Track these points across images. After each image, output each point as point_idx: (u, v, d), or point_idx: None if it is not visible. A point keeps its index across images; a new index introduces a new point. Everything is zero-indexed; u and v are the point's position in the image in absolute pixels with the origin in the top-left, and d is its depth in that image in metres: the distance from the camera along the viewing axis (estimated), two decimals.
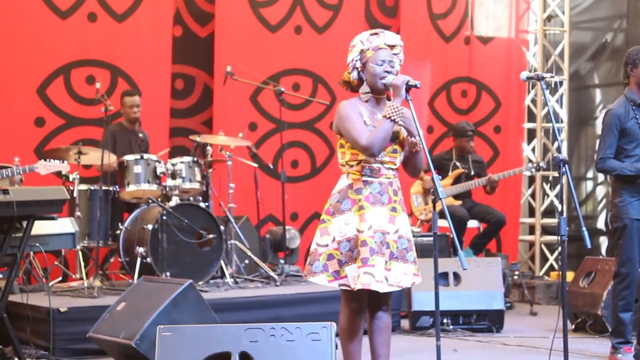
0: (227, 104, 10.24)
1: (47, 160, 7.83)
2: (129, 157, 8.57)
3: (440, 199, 4.90)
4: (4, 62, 9.26)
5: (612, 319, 7.12)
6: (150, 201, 8.50)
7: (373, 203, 5.12)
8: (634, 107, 6.85)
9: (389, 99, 5.19)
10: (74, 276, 8.51)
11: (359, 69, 5.21)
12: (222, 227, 8.63)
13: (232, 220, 8.97)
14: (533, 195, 12.08)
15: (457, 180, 10.06)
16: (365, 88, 5.21)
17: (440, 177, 5.14)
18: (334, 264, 5.11)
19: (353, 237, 5.09)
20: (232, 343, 5.18)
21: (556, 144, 11.75)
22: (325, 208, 5.23)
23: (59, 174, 8.42)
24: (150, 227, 8.24)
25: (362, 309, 5.24)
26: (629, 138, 6.84)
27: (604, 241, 11.63)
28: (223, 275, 8.59)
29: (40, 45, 9.42)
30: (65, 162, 7.96)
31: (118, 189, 8.63)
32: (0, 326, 6.38)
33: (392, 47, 5.24)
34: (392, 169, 5.21)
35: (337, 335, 5.23)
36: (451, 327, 8.36)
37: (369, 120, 5.13)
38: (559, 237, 5.40)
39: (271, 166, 10.07)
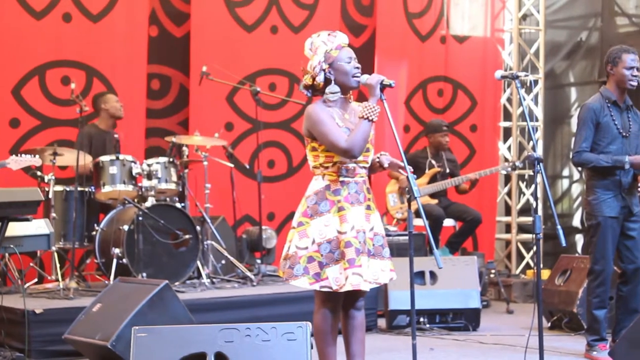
0: (203, 104, 10.21)
1: (19, 155, 7.78)
2: (104, 158, 8.53)
3: (416, 198, 4.91)
4: None
5: (587, 317, 7.16)
6: (126, 202, 8.47)
7: (352, 203, 5.13)
8: (609, 104, 6.90)
9: (362, 98, 5.19)
10: (49, 277, 8.46)
11: (326, 70, 5.20)
12: (198, 228, 8.62)
13: (209, 220, 8.97)
14: (509, 194, 12.12)
15: (433, 179, 10.08)
16: (334, 88, 5.19)
17: (415, 176, 5.13)
18: (315, 266, 5.11)
19: (334, 239, 5.09)
20: (207, 343, 5.18)
21: (532, 142, 11.79)
22: (301, 210, 5.20)
23: (34, 175, 8.39)
24: (126, 228, 8.22)
25: (337, 309, 5.25)
26: (603, 134, 6.89)
27: (579, 239, 11.69)
28: (199, 276, 8.58)
29: (15, 45, 9.38)
30: (37, 156, 7.91)
31: (94, 190, 8.59)
32: None
33: (347, 46, 5.25)
34: (365, 167, 5.23)
35: (312, 335, 5.24)
36: (428, 325, 8.38)
37: (340, 121, 5.14)
38: (534, 236, 5.41)
39: (247, 166, 10.06)
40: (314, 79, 5.23)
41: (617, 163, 6.82)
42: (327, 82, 5.20)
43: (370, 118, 5.04)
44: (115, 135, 9.15)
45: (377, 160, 5.26)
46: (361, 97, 5.25)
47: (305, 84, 5.30)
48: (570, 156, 7.03)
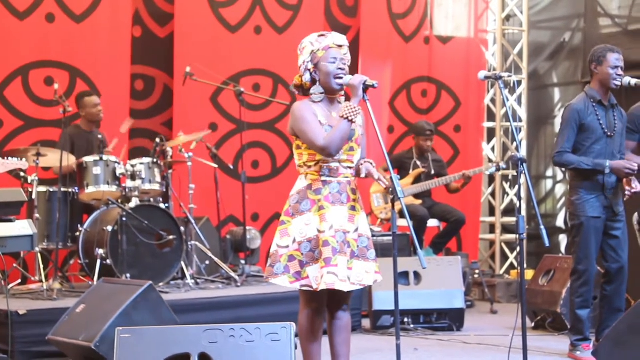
0: (187, 105, 10.20)
1: (5, 158, 7.76)
2: (88, 159, 8.51)
3: (399, 198, 4.91)
4: None
5: (570, 316, 7.18)
6: (109, 203, 8.46)
7: (333, 203, 5.14)
8: (594, 104, 6.92)
9: (348, 98, 5.21)
10: (33, 278, 8.43)
11: (311, 70, 5.22)
12: (182, 228, 8.60)
13: (193, 221, 8.95)
14: (493, 194, 12.14)
15: (417, 180, 10.09)
16: (318, 88, 5.22)
17: (399, 176, 5.14)
18: (295, 265, 5.12)
19: (314, 238, 5.10)
20: (191, 344, 5.17)
21: (515, 143, 11.81)
22: (284, 209, 5.23)
23: (17, 175, 8.36)
24: (110, 228, 8.20)
25: (322, 309, 5.26)
26: (587, 134, 6.91)
27: (563, 239, 11.71)
28: (184, 277, 8.57)
29: None
30: (24, 159, 7.89)
31: (77, 191, 8.57)
32: None
33: (339, 47, 5.26)
34: (349, 167, 5.24)
35: (296, 335, 5.24)
36: (412, 326, 8.39)
37: (325, 120, 5.15)
38: (518, 236, 5.43)
39: (231, 167, 10.05)
40: (302, 79, 5.25)
41: (598, 167, 6.84)
42: (313, 82, 5.23)
43: (349, 118, 5.05)
44: (99, 136, 9.12)
45: (360, 165, 5.27)
46: (348, 98, 5.25)
47: (295, 84, 5.34)
48: (552, 156, 7.04)
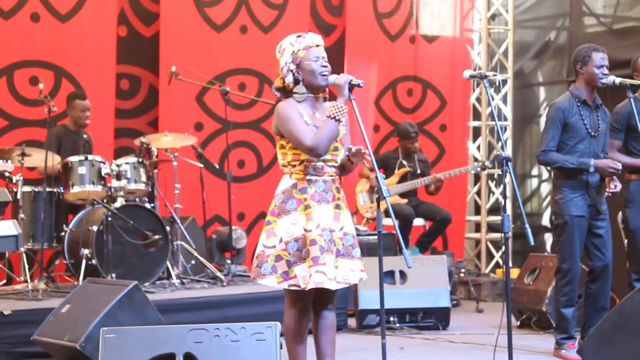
0: (172, 104, 10.18)
1: None
2: (73, 159, 8.48)
3: (385, 198, 4.92)
4: None
5: (555, 315, 7.20)
6: (95, 202, 8.43)
7: (319, 201, 5.14)
8: (578, 104, 6.93)
9: (333, 98, 5.21)
10: (18, 279, 8.41)
11: (294, 71, 5.21)
12: (168, 228, 8.59)
13: (178, 220, 8.94)
14: (479, 193, 12.15)
15: (402, 179, 10.09)
16: (301, 88, 5.21)
17: (384, 176, 5.14)
18: (283, 265, 5.12)
19: (301, 237, 5.10)
20: (176, 344, 5.17)
21: (501, 142, 11.83)
22: (270, 209, 5.23)
23: (2, 175, 8.34)
24: (95, 228, 8.18)
25: (308, 309, 5.26)
26: (571, 133, 6.92)
27: (548, 238, 11.73)
28: (169, 276, 8.56)
29: None
30: (9, 161, 7.87)
31: (62, 191, 8.54)
32: None
33: (318, 46, 5.26)
34: (334, 166, 5.24)
35: (281, 335, 5.24)
36: (398, 325, 8.39)
37: (309, 119, 5.15)
38: (503, 234, 5.44)
39: (217, 166, 10.04)
40: (284, 81, 5.25)
41: (582, 165, 6.85)
42: (296, 82, 5.22)
43: (336, 117, 5.06)
44: (85, 136, 9.09)
45: (347, 151, 5.25)
46: (333, 98, 5.25)
47: (276, 86, 5.33)
48: (537, 154, 7.06)
